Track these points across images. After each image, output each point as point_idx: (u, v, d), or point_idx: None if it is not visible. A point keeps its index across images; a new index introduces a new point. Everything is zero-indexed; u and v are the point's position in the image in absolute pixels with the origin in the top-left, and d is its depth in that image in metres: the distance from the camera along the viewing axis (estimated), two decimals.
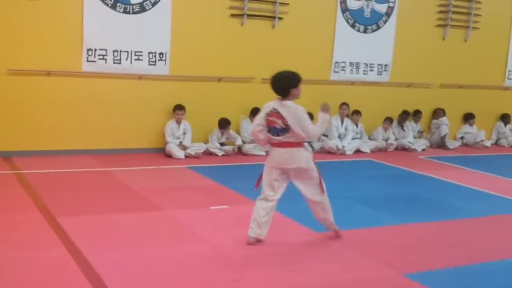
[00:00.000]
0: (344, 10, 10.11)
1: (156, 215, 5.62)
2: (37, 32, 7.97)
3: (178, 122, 8.86)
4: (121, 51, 8.49)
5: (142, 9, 8.54)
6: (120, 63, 8.50)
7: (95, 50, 8.31)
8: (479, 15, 11.31)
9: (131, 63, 8.58)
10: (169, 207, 5.86)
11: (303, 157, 4.76)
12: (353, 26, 10.24)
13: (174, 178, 7.47)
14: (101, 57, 8.37)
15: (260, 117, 4.87)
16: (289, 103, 4.74)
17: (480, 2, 11.27)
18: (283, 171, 4.80)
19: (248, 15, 9.27)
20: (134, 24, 8.52)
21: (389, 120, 10.52)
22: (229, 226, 5.40)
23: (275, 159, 4.79)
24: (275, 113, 4.73)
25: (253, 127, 4.94)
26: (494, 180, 8.28)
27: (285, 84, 4.80)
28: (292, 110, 4.70)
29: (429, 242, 5.26)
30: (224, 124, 9.08)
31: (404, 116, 10.77)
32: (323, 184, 4.87)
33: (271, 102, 4.84)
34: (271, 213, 4.85)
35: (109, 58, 8.42)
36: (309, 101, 9.76)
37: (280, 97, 4.80)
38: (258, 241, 4.82)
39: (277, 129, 4.73)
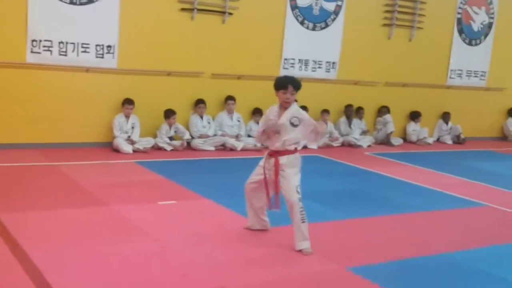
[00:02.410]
0: (294, 7, 10.21)
1: (102, 211, 5.54)
2: None
3: (127, 117, 8.74)
4: (67, 43, 8.29)
5: (90, 0, 8.37)
6: (66, 55, 8.31)
7: (40, 41, 8.09)
8: (424, 15, 11.64)
9: (77, 55, 8.39)
10: (116, 203, 5.79)
11: None
12: (302, 23, 10.36)
13: (122, 173, 7.37)
14: (46, 48, 8.15)
15: None
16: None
17: (424, 3, 11.60)
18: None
19: (198, 10, 9.22)
20: (81, 15, 8.34)
21: (326, 111, 10.68)
22: (176, 221, 5.39)
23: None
24: None
25: None
26: (436, 176, 8.58)
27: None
28: None
29: (372, 237, 5.41)
30: (168, 113, 9.01)
31: (350, 108, 10.99)
32: None
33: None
34: None
35: (55, 49, 8.22)
36: (259, 97, 9.91)
37: None
38: None
39: None
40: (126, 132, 8.71)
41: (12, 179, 6.55)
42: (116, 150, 8.50)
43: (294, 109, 4.87)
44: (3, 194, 5.84)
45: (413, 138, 11.80)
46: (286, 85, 4.84)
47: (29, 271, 3.97)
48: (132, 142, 8.61)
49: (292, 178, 4.76)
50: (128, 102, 8.69)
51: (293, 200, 4.72)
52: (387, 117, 11.29)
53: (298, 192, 4.74)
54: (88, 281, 3.90)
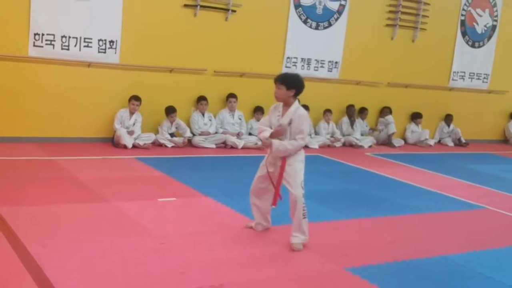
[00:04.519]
0: (297, 5, 10.20)
1: (101, 207, 5.54)
2: None
3: (131, 113, 8.73)
4: (69, 37, 8.29)
5: None
6: (68, 49, 8.30)
7: (43, 35, 8.08)
8: (427, 16, 11.62)
9: (80, 50, 8.39)
10: (115, 199, 5.79)
11: None
12: (305, 22, 10.34)
13: (122, 169, 7.37)
14: (48, 42, 8.15)
15: None
16: None
17: (428, 4, 11.58)
18: None
19: (202, 6, 9.21)
20: (84, 9, 8.33)
21: (329, 111, 10.68)
22: (176, 219, 5.39)
23: None
24: None
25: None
26: (436, 178, 8.57)
27: None
28: None
29: (371, 237, 5.40)
30: (169, 110, 9.00)
31: (351, 108, 10.98)
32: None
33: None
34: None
35: (57, 43, 8.21)
36: (260, 95, 9.90)
37: None
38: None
39: None
40: (127, 128, 8.69)
41: (12, 172, 6.55)
42: (117, 144, 8.49)
43: (295, 107, 4.87)
44: (2, 187, 5.83)
45: (411, 140, 11.77)
46: (275, 80, 4.95)
47: (28, 265, 3.96)
48: (131, 133, 8.58)
49: (298, 173, 4.78)
50: (135, 98, 8.68)
51: (297, 194, 4.72)
52: (389, 118, 11.27)
53: (302, 187, 4.76)
54: (87, 276, 3.89)
